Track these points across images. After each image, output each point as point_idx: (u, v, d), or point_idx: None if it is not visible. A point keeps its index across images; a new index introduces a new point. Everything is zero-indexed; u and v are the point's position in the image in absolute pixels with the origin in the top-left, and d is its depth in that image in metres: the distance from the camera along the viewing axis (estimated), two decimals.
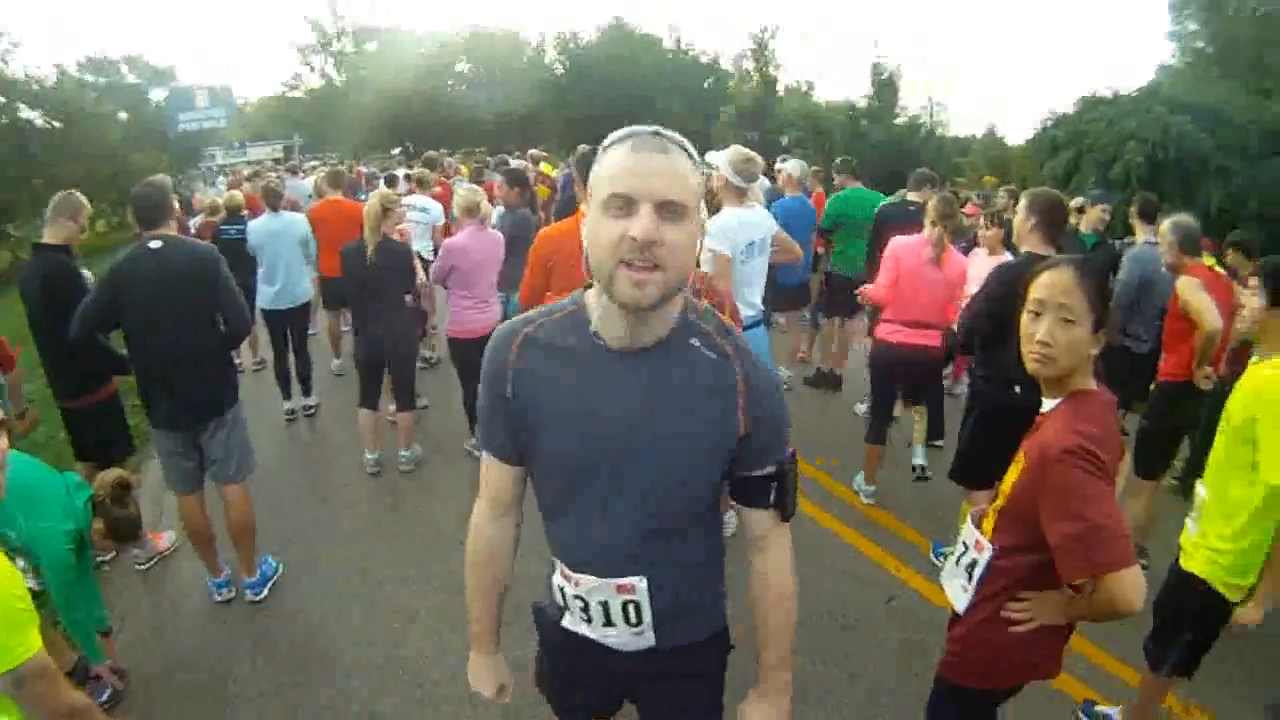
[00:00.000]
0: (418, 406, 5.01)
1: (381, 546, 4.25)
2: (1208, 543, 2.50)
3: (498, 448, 1.52)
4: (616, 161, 1.24)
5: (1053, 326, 1.73)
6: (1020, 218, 3.53)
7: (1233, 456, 2.44)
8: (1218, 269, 4.19)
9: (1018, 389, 3.25)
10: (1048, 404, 1.86)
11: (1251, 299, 2.58)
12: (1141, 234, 5.15)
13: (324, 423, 6.14)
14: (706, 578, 1.58)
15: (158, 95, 28.60)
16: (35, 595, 2.51)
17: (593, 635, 1.55)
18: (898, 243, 4.34)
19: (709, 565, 1.58)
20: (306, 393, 6.24)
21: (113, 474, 2.90)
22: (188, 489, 3.60)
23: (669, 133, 1.28)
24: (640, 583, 1.46)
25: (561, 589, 1.53)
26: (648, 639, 1.52)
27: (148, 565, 4.03)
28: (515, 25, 43.55)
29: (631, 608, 1.48)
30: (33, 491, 2.65)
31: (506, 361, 1.43)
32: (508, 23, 45.60)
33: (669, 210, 1.20)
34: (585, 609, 1.51)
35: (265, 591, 3.78)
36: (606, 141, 1.31)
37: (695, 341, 1.38)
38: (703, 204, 1.30)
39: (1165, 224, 4.18)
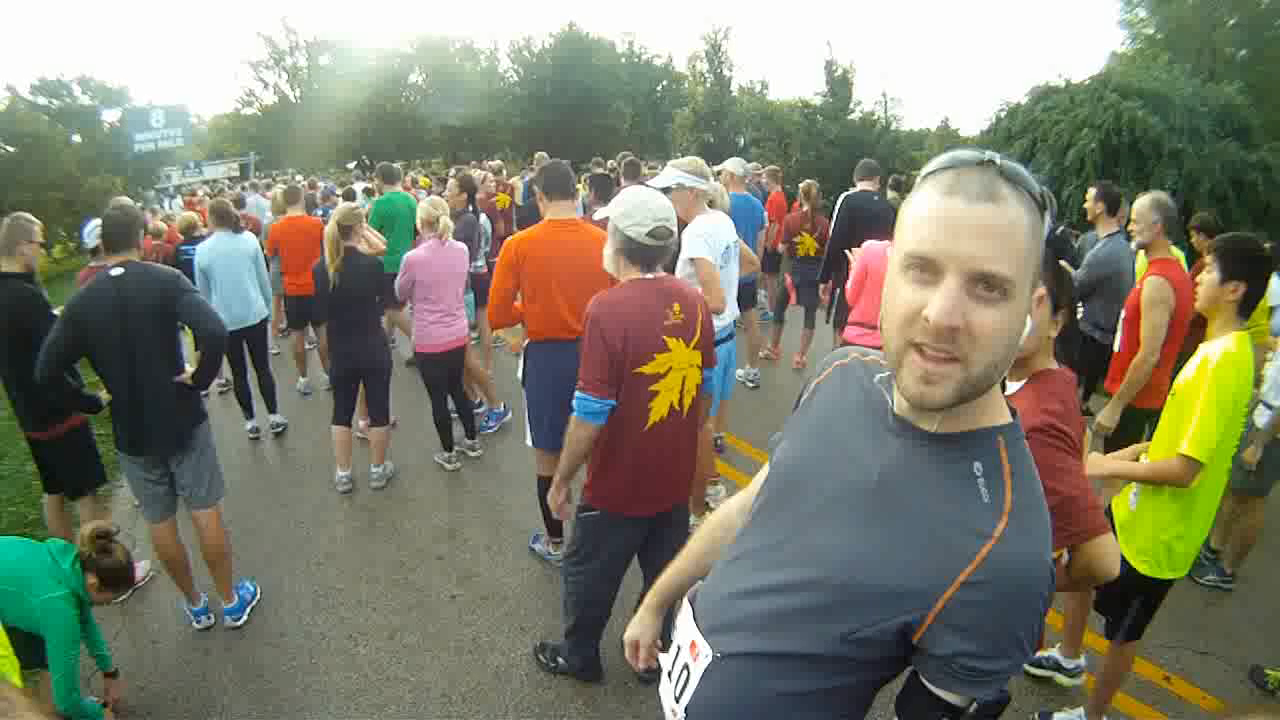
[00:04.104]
0: (389, 423, 4.98)
1: (358, 565, 4.22)
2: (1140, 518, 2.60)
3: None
4: (926, 204, 0.93)
5: None
6: None
7: (1176, 434, 2.47)
8: (1182, 264, 4.09)
9: None
10: (1012, 386, 1.92)
11: (1206, 275, 2.64)
12: (1105, 227, 4.88)
13: (293, 442, 6.06)
14: None
15: (110, 116, 28.03)
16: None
17: (661, 689, 1.28)
18: (869, 250, 4.38)
19: None
20: (272, 409, 6.18)
21: (89, 528, 2.89)
22: (159, 515, 3.55)
23: (1010, 164, 0.92)
24: (706, 654, 1.14)
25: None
26: None
27: (124, 597, 3.95)
28: (468, 34, 43.14)
29: (682, 676, 1.18)
30: (20, 570, 2.65)
31: (821, 376, 1.25)
32: (461, 32, 45.24)
33: (985, 285, 0.88)
34: (667, 640, 1.28)
35: (245, 616, 3.74)
36: (927, 168, 0.97)
37: (979, 466, 0.99)
38: (1032, 271, 0.93)
39: (1146, 201, 3.98)
